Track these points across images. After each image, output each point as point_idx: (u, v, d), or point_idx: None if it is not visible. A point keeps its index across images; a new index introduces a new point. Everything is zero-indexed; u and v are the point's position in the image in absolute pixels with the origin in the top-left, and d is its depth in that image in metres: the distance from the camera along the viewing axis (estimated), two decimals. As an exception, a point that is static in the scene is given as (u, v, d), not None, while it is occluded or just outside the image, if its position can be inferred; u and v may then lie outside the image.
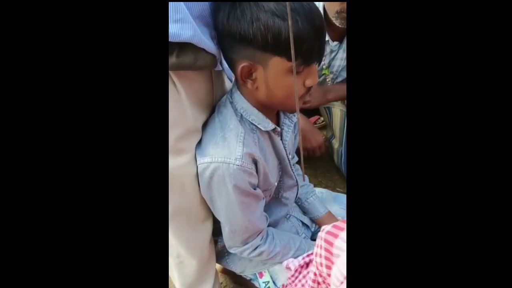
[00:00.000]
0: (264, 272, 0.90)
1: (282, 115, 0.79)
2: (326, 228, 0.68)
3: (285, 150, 0.79)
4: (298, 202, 1.00)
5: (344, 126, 1.41)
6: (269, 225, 0.84)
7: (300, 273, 0.83)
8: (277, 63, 0.60)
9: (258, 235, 0.79)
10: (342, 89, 1.32)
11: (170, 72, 0.59)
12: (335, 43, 1.24)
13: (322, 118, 1.78)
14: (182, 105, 0.63)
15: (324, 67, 1.30)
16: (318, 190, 1.07)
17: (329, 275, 0.67)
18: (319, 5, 1.14)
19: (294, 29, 0.50)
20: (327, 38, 1.21)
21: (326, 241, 0.68)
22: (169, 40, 0.52)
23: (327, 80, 1.36)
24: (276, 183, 0.81)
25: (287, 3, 0.44)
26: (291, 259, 0.84)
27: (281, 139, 0.78)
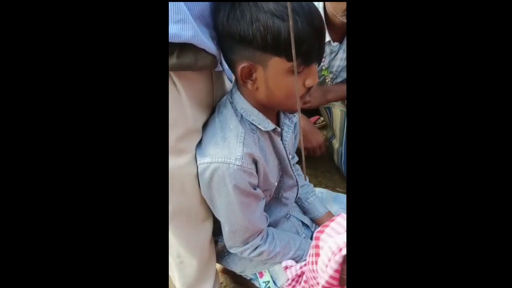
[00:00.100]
0: (264, 272, 0.90)
1: (282, 115, 0.79)
2: (316, 230, 0.71)
3: (285, 150, 0.79)
4: (298, 202, 1.00)
5: (344, 126, 1.41)
6: (269, 225, 0.84)
7: (297, 281, 0.83)
8: (277, 64, 0.60)
9: (258, 235, 0.79)
10: (342, 90, 1.32)
11: (171, 73, 0.59)
12: (336, 43, 1.24)
13: (322, 118, 1.78)
14: (182, 105, 0.63)
15: (323, 68, 1.30)
16: (318, 190, 1.08)
17: (315, 262, 0.69)
18: (319, 5, 1.14)
19: (294, 29, 0.50)
20: (328, 38, 1.21)
21: (315, 238, 0.71)
22: (170, 40, 0.52)
23: (327, 80, 1.36)
24: (276, 183, 0.81)
25: (288, 3, 0.44)
26: (290, 261, 0.84)
27: (281, 139, 0.78)
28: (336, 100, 1.38)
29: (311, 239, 0.98)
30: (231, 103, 0.71)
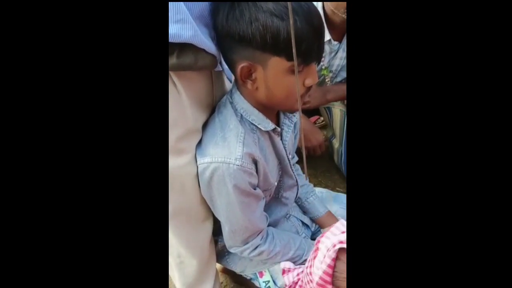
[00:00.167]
0: (264, 271, 0.90)
1: (282, 115, 0.79)
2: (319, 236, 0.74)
3: (285, 150, 0.79)
4: (298, 201, 1.00)
5: (344, 126, 1.41)
6: (269, 225, 0.84)
7: None
8: (276, 63, 0.60)
9: (258, 235, 0.79)
10: (342, 89, 1.32)
11: (171, 73, 0.59)
12: (336, 42, 1.24)
13: (322, 118, 1.78)
14: (182, 105, 0.63)
15: (323, 67, 1.30)
16: (318, 189, 1.08)
17: (313, 264, 0.71)
18: (318, 5, 1.14)
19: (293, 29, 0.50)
20: (328, 37, 1.21)
21: (316, 243, 0.73)
22: (170, 40, 0.52)
23: (326, 80, 1.36)
24: (276, 183, 0.81)
25: (289, 2, 0.44)
26: (288, 264, 0.84)
27: (281, 139, 0.78)
28: (336, 100, 1.38)
29: (312, 238, 0.98)
30: (231, 103, 0.71)
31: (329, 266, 0.67)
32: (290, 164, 0.83)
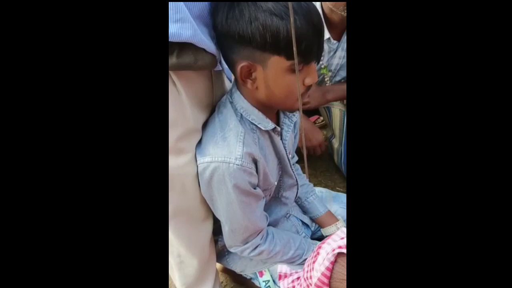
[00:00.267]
0: (264, 271, 0.90)
1: (281, 114, 0.79)
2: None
3: (285, 149, 0.79)
4: (298, 201, 1.00)
5: (343, 126, 1.41)
6: (269, 225, 0.84)
7: None
8: (276, 62, 0.60)
9: (258, 234, 0.79)
10: (341, 89, 1.32)
11: (170, 72, 0.59)
12: (335, 41, 1.24)
13: (321, 118, 1.78)
14: (182, 105, 0.63)
15: (322, 66, 1.30)
16: (318, 189, 1.08)
17: (312, 268, 0.73)
18: (316, 4, 1.14)
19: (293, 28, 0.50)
20: (327, 36, 1.21)
21: (317, 249, 0.75)
22: (169, 40, 0.52)
23: (326, 79, 1.36)
24: (276, 183, 0.81)
25: (289, 2, 0.45)
26: (285, 268, 0.84)
27: (281, 139, 0.78)
28: (335, 100, 1.38)
29: (311, 238, 0.98)
30: (231, 102, 0.71)
31: (327, 268, 0.69)
32: (290, 163, 0.83)
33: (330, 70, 1.34)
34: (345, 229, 0.75)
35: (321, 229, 1.00)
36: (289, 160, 0.82)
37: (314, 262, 0.73)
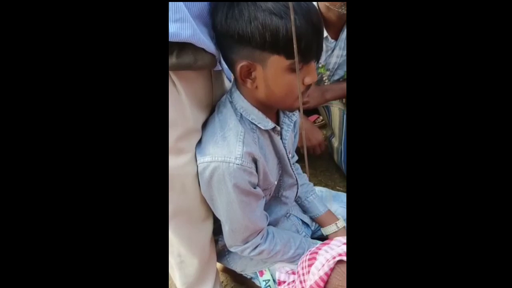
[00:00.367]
0: (265, 270, 0.90)
1: (281, 114, 0.79)
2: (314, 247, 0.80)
3: (285, 149, 0.79)
4: (298, 201, 1.00)
5: (343, 125, 1.41)
6: (269, 224, 0.84)
7: None
8: (276, 62, 0.60)
9: (258, 234, 0.79)
10: (340, 88, 1.32)
11: (170, 72, 0.59)
12: (332, 40, 1.24)
13: (321, 117, 1.78)
14: (182, 105, 0.63)
15: (320, 65, 1.31)
16: (318, 189, 1.08)
17: (308, 271, 0.75)
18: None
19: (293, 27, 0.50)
20: (325, 34, 1.21)
21: (312, 253, 0.77)
22: (169, 40, 0.52)
23: (324, 78, 1.36)
24: (276, 182, 0.81)
25: (290, 2, 0.45)
26: (283, 276, 0.85)
27: (281, 138, 0.78)
28: (334, 99, 1.38)
29: (312, 237, 0.98)
30: (231, 102, 0.71)
31: (325, 273, 0.70)
32: (290, 163, 0.83)
33: (328, 69, 1.34)
34: (343, 238, 0.78)
35: (321, 228, 1.00)
36: (289, 159, 0.82)
37: (310, 265, 0.74)
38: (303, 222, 0.98)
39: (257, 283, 0.93)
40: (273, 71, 0.61)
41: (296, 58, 0.47)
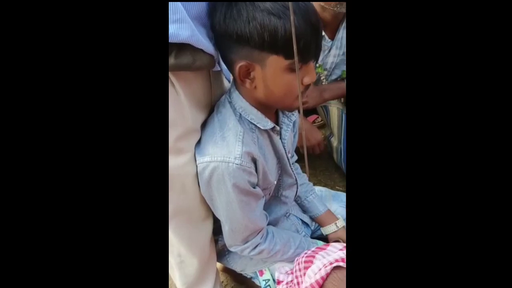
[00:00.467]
0: (265, 270, 0.90)
1: (280, 114, 0.79)
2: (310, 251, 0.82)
3: (284, 148, 0.79)
4: (298, 200, 1.00)
5: (342, 124, 1.41)
6: (269, 224, 0.85)
7: None
8: (274, 62, 0.60)
9: (258, 234, 0.79)
10: (338, 88, 1.33)
11: (169, 73, 0.59)
12: (329, 39, 1.24)
13: (320, 118, 1.79)
14: (181, 105, 0.63)
15: (317, 65, 1.31)
16: (318, 188, 1.08)
17: (304, 274, 0.77)
18: None
19: (290, 27, 0.50)
20: (323, 33, 1.21)
21: (309, 256, 0.79)
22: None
23: (321, 78, 1.36)
24: (275, 182, 0.81)
25: (289, 2, 0.45)
26: (282, 277, 0.85)
27: (280, 138, 0.78)
28: (333, 99, 1.39)
29: (311, 237, 0.98)
30: (230, 102, 0.71)
31: (321, 277, 0.72)
32: (289, 163, 0.83)
33: (325, 69, 1.34)
34: (340, 243, 0.79)
35: (320, 228, 1.00)
36: (288, 159, 0.82)
37: (306, 268, 0.76)
38: (303, 222, 0.99)
39: (257, 282, 0.93)
40: (272, 71, 0.61)
41: (296, 58, 0.48)
